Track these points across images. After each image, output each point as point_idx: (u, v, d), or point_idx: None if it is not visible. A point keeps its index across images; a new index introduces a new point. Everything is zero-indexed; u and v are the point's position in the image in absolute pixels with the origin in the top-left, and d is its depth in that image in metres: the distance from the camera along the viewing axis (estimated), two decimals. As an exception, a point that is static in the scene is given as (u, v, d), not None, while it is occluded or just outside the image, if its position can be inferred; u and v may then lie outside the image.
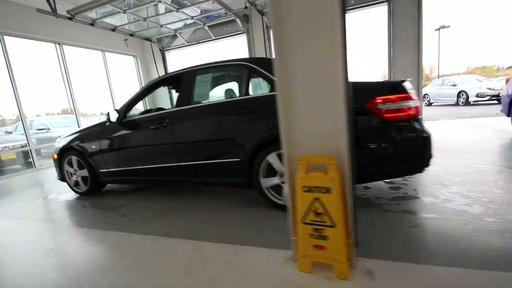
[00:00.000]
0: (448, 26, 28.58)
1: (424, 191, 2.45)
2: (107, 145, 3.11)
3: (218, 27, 8.02)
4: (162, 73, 9.13)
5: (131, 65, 9.27)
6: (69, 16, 5.87)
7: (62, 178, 3.60)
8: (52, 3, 5.57)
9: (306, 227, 1.46)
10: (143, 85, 9.41)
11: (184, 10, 6.51)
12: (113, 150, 3.07)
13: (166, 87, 3.61)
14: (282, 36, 1.43)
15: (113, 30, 7.28)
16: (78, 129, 3.54)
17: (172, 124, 2.64)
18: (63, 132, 7.96)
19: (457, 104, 11.37)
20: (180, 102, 2.67)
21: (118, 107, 3.09)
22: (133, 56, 9.16)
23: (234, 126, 2.36)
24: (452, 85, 11.75)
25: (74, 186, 3.55)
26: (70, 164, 3.48)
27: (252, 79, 2.46)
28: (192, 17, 7.01)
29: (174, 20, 7.47)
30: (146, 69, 9.47)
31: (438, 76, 26.69)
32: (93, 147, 3.20)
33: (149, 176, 2.91)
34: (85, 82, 7.63)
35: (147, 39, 8.63)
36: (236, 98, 2.44)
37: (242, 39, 8.23)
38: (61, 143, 3.52)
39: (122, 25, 7.35)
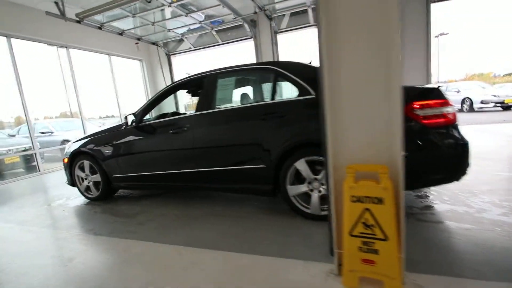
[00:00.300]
0: (447, 33, 28.92)
1: (455, 200, 2.37)
2: (122, 150, 3.02)
3: (225, 32, 8.02)
4: (168, 77, 9.08)
5: (137, 69, 9.23)
6: (78, 19, 5.83)
7: (72, 183, 3.50)
8: (61, 6, 5.54)
9: (354, 240, 1.37)
10: (149, 89, 9.42)
11: (193, 15, 6.50)
12: (129, 155, 2.98)
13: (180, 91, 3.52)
14: (330, 36, 1.36)
15: (121, 34, 7.26)
16: (90, 133, 3.45)
17: (193, 128, 2.56)
18: (66, 136, 7.89)
19: (461, 110, 11.38)
20: (201, 106, 2.59)
21: (131, 111, 3.01)
22: (139, 60, 9.12)
23: (261, 131, 2.28)
24: (456, 91, 11.78)
25: (85, 191, 3.44)
26: (82, 169, 3.37)
27: (278, 83, 2.38)
28: (200, 21, 6.99)
29: (181, 25, 7.46)
30: (152, 73, 9.43)
31: (438, 83, 26.84)
32: (108, 151, 3.10)
33: (166, 182, 2.82)
34: (91, 86, 7.56)
35: (153, 44, 8.62)
36: (263, 102, 2.37)
37: (249, 44, 8.22)
38: (72, 147, 3.42)
39: (129, 29, 7.33)
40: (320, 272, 1.55)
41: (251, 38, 7.86)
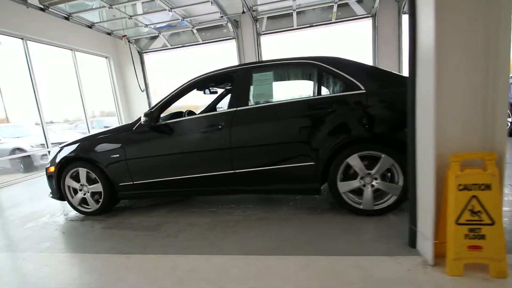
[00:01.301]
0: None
1: None
2: (135, 153, 2.63)
3: (206, 31, 7.73)
4: (140, 76, 8.37)
5: (103, 67, 8.32)
6: (42, 6, 5.03)
7: (60, 196, 2.93)
8: (22, -10, 4.71)
9: (461, 228, 1.37)
10: (117, 89, 8.54)
11: (176, 10, 6.11)
12: (146, 159, 2.60)
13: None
14: (425, 23, 1.35)
15: (90, 27, 6.47)
16: (87, 135, 2.95)
17: (230, 126, 2.34)
18: (19, 144, 6.69)
19: None
20: (235, 102, 2.40)
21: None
22: (106, 58, 8.24)
23: (310, 127, 2.20)
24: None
25: (79, 205, 2.90)
26: (76, 178, 2.85)
27: (322, 78, 2.32)
28: (183, 18, 6.62)
29: (159, 21, 6.97)
30: (120, 72, 8.60)
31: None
32: (114, 156, 2.67)
33: (194, 187, 2.53)
34: (53, 85, 6.56)
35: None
36: (312, 97, 2.28)
37: (230, 45, 8.06)
38: (62, 152, 2.87)
39: (99, 22, 6.58)
40: (414, 265, 1.52)
41: (233, 38, 7.72)
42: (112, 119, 9.30)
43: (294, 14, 6.99)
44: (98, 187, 2.79)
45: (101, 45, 7.75)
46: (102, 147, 2.74)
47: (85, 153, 2.78)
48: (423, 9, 1.42)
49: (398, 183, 2.12)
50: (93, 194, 2.86)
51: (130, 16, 6.13)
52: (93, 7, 5.67)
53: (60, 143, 7.52)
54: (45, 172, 3.02)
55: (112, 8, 5.55)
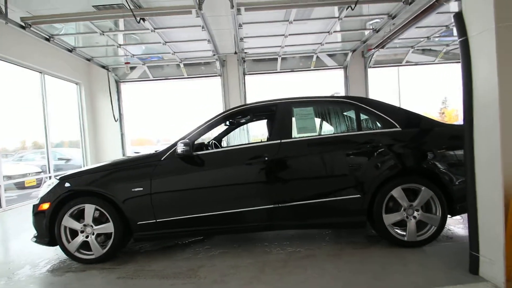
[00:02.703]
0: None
1: None
2: (164, 187, 2.35)
3: (193, 66, 7.83)
4: (115, 106, 7.82)
5: (72, 94, 7.61)
6: (23, 24, 4.57)
7: (50, 240, 2.37)
8: (3, 5, 4.26)
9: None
10: (85, 117, 7.76)
11: (170, 45, 6.16)
12: (174, 193, 2.34)
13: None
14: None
15: (70, 51, 6.03)
16: (97, 166, 2.56)
17: (277, 158, 2.30)
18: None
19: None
20: (278, 134, 2.40)
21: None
22: (76, 84, 7.61)
23: (356, 160, 2.29)
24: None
25: (76, 251, 2.38)
26: (77, 217, 2.38)
27: (359, 116, 2.51)
28: (174, 52, 6.65)
29: (148, 52, 6.89)
30: (91, 100, 7.94)
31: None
32: (137, 189, 2.34)
33: (231, 223, 2.32)
34: (11, 109, 5.69)
35: (103, 67, 7.46)
36: (358, 133, 2.41)
37: (213, 81, 8.24)
38: (62, 186, 2.41)
39: (80, 47, 6.20)
40: (494, 293, 1.57)
41: (219, 76, 7.94)
42: (71, 150, 8.27)
43: (279, 59, 7.62)
44: (108, 227, 2.35)
45: (74, 71, 7.20)
46: (120, 179, 2.39)
47: (96, 186, 2.38)
48: (480, 54, 1.70)
49: (437, 214, 2.27)
50: (99, 236, 2.39)
51: (120, 44, 5.93)
52: (82, 32, 5.37)
53: (9, 177, 6.31)
54: (32, 211, 2.45)
55: (103, 35, 5.33)
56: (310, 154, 2.34)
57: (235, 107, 2.60)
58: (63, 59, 6.54)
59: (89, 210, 2.36)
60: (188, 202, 2.34)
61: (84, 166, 7.34)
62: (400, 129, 2.37)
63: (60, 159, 9.08)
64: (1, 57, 5.11)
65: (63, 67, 6.69)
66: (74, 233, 2.40)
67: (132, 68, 7.91)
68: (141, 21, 4.64)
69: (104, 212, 2.36)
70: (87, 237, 2.38)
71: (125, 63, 6.17)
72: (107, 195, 2.34)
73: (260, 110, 2.65)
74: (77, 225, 2.37)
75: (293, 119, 2.50)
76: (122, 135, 7.95)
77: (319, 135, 2.49)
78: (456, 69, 8.66)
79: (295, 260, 2.17)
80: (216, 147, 3.28)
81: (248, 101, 7.79)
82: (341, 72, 8.25)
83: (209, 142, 3.01)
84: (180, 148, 2.27)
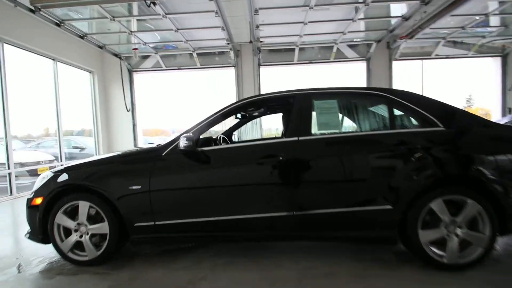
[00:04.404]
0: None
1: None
2: (164, 185, 2.09)
3: (206, 56, 7.54)
4: (128, 96, 7.71)
5: (86, 82, 7.55)
6: (33, 8, 4.43)
7: (43, 237, 2.19)
8: (12, -14, 4.12)
9: None
10: (98, 106, 7.70)
11: (183, 32, 5.88)
12: (176, 192, 2.08)
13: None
14: None
15: (82, 37, 5.89)
16: (93, 159, 2.34)
17: (293, 159, 1.98)
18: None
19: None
20: (295, 130, 2.06)
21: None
22: (90, 72, 7.53)
23: (389, 163, 1.94)
24: None
25: (70, 251, 2.18)
26: (71, 215, 2.17)
27: (392, 112, 2.12)
28: (186, 41, 6.38)
29: (161, 40, 6.65)
30: (104, 89, 7.86)
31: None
32: (134, 187, 2.09)
33: (241, 230, 2.04)
34: (24, 94, 5.65)
35: (116, 55, 7.32)
36: (393, 131, 2.04)
37: (227, 72, 7.94)
38: (55, 179, 2.21)
39: (92, 34, 6.05)
40: None
41: (233, 66, 7.61)
42: (86, 139, 8.31)
43: (297, 50, 7.18)
44: (103, 227, 2.13)
45: (87, 58, 7.11)
46: (117, 174, 2.16)
47: (91, 181, 2.16)
48: None
49: (485, 233, 1.88)
50: (94, 236, 2.18)
51: (131, 31, 5.72)
52: (92, 17, 5.19)
53: (22, 164, 6.33)
54: (26, 204, 2.28)
55: (114, 20, 5.12)
56: (332, 155, 2.00)
57: (247, 98, 2.29)
58: (76, 46, 6.43)
59: (83, 207, 2.15)
60: (190, 205, 2.08)
61: (95, 156, 7.33)
62: (443, 128, 1.97)
63: (75, 147, 9.16)
64: (13, 42, 5.02)
65: (75, 55, 6.60)
66: (68, 232, 2.20)
67: (145, 57, 7.74)
68: (152, 4, 4.39)
69: (99, 210, 2.14)
70: (81, 236, 2.17)
71: (133, 49, 5.94)
72: (99, 191, 2.11)
73: (276, 102, 2.33)
74: (70, 223, 2.17)
75: (313, 113, 2.15)
76: (134, 125, 7.84)
77: (344, 133, 2.13)
78: (488, 64, 7.89)
79: (311, 278, 1.86)
80: (226, 142, 2.99)
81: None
82: (363, 64, 7.70)
83: (217, 137, 2.72)
84: (182, 143, 1.99)
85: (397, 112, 2.13)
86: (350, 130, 2.09)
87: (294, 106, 2.16)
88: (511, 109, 7.34)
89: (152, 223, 2.10)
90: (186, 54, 7.45)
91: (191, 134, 2.02)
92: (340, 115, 2.20)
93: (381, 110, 2.18)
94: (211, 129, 2.35)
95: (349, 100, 2.27)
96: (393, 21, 5.84)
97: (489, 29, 6.47)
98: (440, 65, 8.43)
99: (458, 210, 1.91)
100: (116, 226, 2.12)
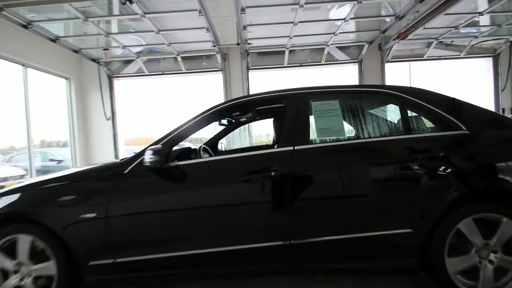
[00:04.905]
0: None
1: None
2: (126, 210, 1.66)
3: (192, 60, 7.15)
4: (108, 104, 7.20)
5: (61, 90, 7.01)
6: (-7, 6, 3.95)
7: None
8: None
9: None
10: (75, 116, 7.15)
11: (164, 34, 5.49)
12: (142, 218, 1.65)
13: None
14: None
15: (54, 40, 5.40)
16: (37, 181, 1.89)
17: (289, 173, 1.59)
18: None
19: None
20: (290, 138, 1.68)
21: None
22: (66, 79, 7.00)
23: (407, 177, 1.57)
24: None
25: (8, 299, 1.70)
26: (9, 252, 1.70)
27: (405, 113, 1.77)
28: (169, 43, 5.98)
29: (141, 43, 6.23)
30: (81, 96, 7.33)
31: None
32: (87, 215, 1.65)
33: (226, 266, 1.62)
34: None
35: (93, 60, 6.84)
36: (408, 137, 1.68)
37: (214, 77, 7.57)
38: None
39: (65, 37, 5.58)
40: None
41: (220, 71, 7.25)
42: (65, 151, 7.72)
43: (287, 52, 6.89)
44: (48, 267, 1.68)
45: (62, 64, 6.59)
46: (65, 197, 1.71)
47: (32, 208, 1.70)
48: None
49: (524, 259, 1.53)
50: (36, 279, 1.71)
51: (108, 33, 5.28)
52: (62, 18, 4.74)
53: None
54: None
55: (87, 21, 4.68)
56: (336, 168, 1.62)
57: (231, 100, 1.90)
58: (49, 51, 5.92)
59: (24, 242, 1.69)
60: (161, 235, 1.65)
61: (71, 168, 6.76)
62: (467, 132, 1.63)
63: (51, 160, 8.52)
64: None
65: (49, 60, 6.07)
66: (5, 274, 1.73)
67: (127, 62, 7.29)
68: (128, 2, 3.98)
69: (44, 246, 1.68)
70: (22, 280, 1.70)
71: (104, 49, 5.48)
72: (42, 220, 1.65)
73: (265, 104, 1.95)
74: (8, 264, 1.70)
75: (311, 117, 1.78)
76: (114, 134, 7.31)
77: (349, 140, 1.76)
78: (480, 64, 7.81)
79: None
80: (209, 154, 2.58)
81: (252, 99, 7.07)
82: (354, 67, 7.48)
83: (199, 148, 2.31)
84: (148, 158, 1.57)
85: (411, 113, 1.78)
86: (356, 136, 1.72)
87: (287, 108, 1.78)
88: (505, 110, 7.24)
89: (111, 260, 1.65)
90: (170, 58, 7.04)
91: (159, 146, 1.61)
92: (343, 119, 1.82)
93: (393, 112, 1.82)
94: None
95: (353, 100, 1.90)
96: (386, 20, 5.63)
97: (482, 29, 6.37)
98: (431, 67, 8.36)
99: (489, 230, 1.56)
100: (66, 266, 1.66)
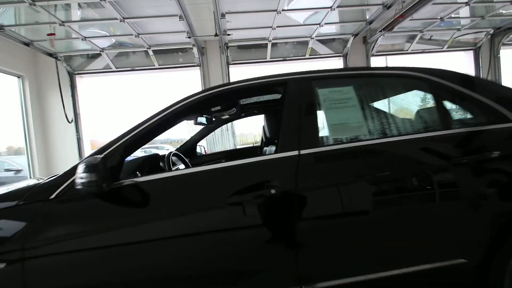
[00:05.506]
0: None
1: None
2: (54, 251, 1.10)
3: (165, 54, 6.48)
4: (69, 104, 6.36)
5: (14, 89, 6.08)
6: None
7: None
8: None
9: None
10: (31, 118, 6.23)
11: (130, 22, 4.82)
12: (79, 257, 1.10)
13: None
14: None
15: (-5, 29, 4.55)
16: None
17: (294, 191, 1.11)
18: None
19: None
20: (293, 139, 1.21)
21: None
22: (18, 77, 6.07)
23: (454, 186, 1.14)
24: None
25: None
26: None
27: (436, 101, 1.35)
28: (138, 34, 5.31)
29: (105, 34, 5.50)
30: (38, 97, 6.42)
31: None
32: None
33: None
34: None
35: (50, 55, 5.97)
36: (447, 132, 1.25)
37: (192, 73, 6.97)
38: None
39: (11, 26, 4.74)
40: None
41: (197, 66, 6.65)
42: (21, 158, 6.81)
43: (269, 46, 6.43)
44: None
45: (13, 60, 5.68)
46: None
47: None
48: None
49: None
50: None
51: (62, 22, 4.52)
52: (4, 1, 3.94)
53: None
54: None
55: (35, 6, 3.92)
56: (361, 178, 1.16)
57: (207, 89, 1.38)
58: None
59: None
60: (105, 282, 1.10)
61: (30, 178, 5.86)
62: (520, 124, 1.25)
63: (7, 170, 7.52)
64: None
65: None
66: None
67: (92, 57, 6.48)
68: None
69: None
70: None
71: (48, 34, 4.70)
72: None
73: (255, 93, 1.44)
74: None
75: (319, 108, 1.31)
76: (78, 138, 6.48)
77: (371, 138, 1.31)
78: (461, 57, 7.82)
79: None
80: (185, 162, 2.03)
81: (233, 96, 6.51)
82: (340, 61, 7.19)
83: (169, 155, 1.75)
84: (81, 179, 1.02)
85: (446, 103, 1.37)
86: (380, 134, 1.28)
87: (286, 99, 1.30)
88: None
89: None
90: (141, 52, 6.34)
91: (99, 158, 1.06)
92: (361, 109, 1.36)
93: (423, 100, 1.40)
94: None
95: (373, 86, 1.45)
96: (373, 10, 5.34)
97: (465, 21, 6.31)
98: (412, 61, 8.34)
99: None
100: None
